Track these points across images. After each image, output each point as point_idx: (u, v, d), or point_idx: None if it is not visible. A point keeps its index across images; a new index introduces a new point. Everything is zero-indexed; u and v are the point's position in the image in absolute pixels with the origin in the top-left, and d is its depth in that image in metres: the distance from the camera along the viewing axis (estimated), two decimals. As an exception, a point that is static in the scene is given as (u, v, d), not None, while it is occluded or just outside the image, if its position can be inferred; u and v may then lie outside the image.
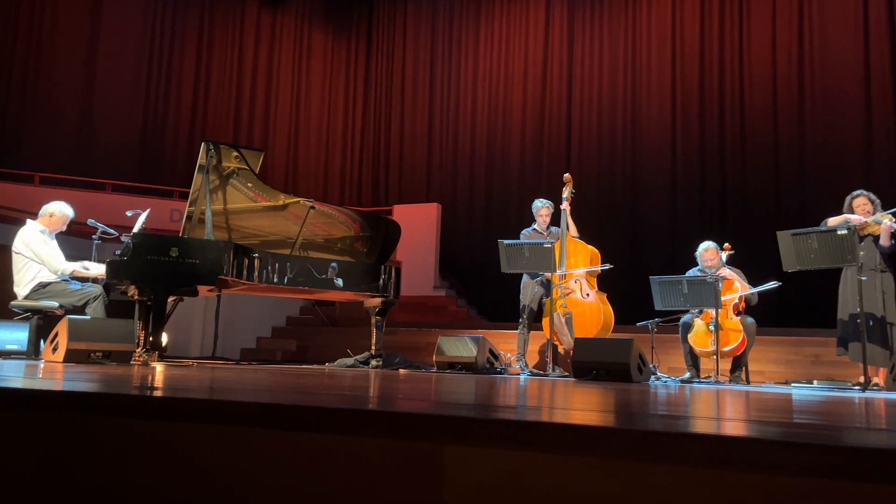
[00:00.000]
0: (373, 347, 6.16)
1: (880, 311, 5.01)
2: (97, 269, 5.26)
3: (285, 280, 5.55)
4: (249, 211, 5.78)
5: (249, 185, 5.65)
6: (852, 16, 8.31)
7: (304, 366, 6.11)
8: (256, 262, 5.34)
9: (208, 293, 5.71)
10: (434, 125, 10.84)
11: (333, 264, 5.82)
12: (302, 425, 1.67)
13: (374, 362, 6.08)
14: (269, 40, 11.21)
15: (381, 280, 6.11)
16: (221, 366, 5.38)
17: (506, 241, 5.84)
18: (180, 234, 5.41)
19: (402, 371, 5.69)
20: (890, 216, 5.04)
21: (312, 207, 5.86)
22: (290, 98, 11.28)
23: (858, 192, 5.30)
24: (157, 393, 2.11)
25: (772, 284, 5.50)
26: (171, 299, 5.23)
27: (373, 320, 6.19)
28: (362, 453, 1.58)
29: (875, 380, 4.97)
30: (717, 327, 5.38)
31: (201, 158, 5.35)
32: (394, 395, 2.64)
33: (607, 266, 6.00)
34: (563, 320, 5.94)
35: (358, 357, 6.28)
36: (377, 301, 6.15)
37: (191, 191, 5.41)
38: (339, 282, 5.81)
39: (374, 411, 1.72)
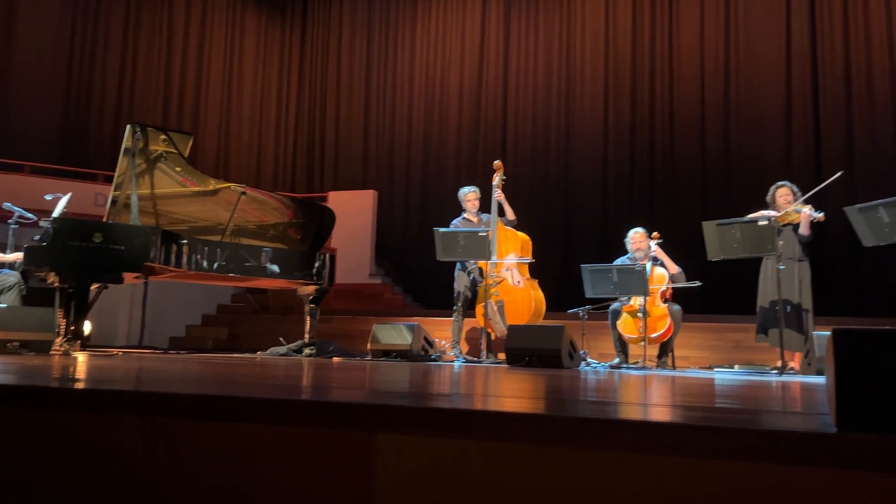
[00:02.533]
0: (306, 335, 6.10)
1: (797, 298, 5.25)
2: (14, 256, 5.03)
3: (215, 267, 5.43)
4: (178, 196, 5.61)
5: (178, 169, 5.49)
6: (776, 17, 8.62)
7: (235, 355, 6.00)
8: (185, 249, 5.20)
9: (134, 280, 5.53)
10: (371, 111, 10.73)
11: (266, 250, 5.72)
12: (232, 416, 1.64)
13: (307, 351, 6.02)
14: (199, 20, 10.85)
15: (315, 267, 6.04)
16: (149, 355, 5.23)
17: (441, 230, 5.86)
18: (105, 220, 5.21)
19: (335, 359, 5.65)
20: (809, 206, 5.27)
21: (244, 193, 5.74)
22: (221, 80, 10.96)
23: (782, 182, 5.53)
24: (79, 384, 2.03)
25: (693, 283, 5.72)
26: (94, 287, 5.04)
27: (306, 308, 6.12)
28: (294, 443, 1.56)
29: (791, 364, 5.21)
30: (646, 314, 5.54)
31: (127, 141, 5.17)
32: (327, 384, 2.62)
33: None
34: (495, 308, 6.00)
35: (291, 345, 6.21)
36: (311, 289, 6.08)
37: (116, 174, 5.22)
38: (272, 269, 5.72)
39: (307, 401, 1.71)
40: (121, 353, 5.02)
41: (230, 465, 1.58)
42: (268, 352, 6.23)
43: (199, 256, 5.31)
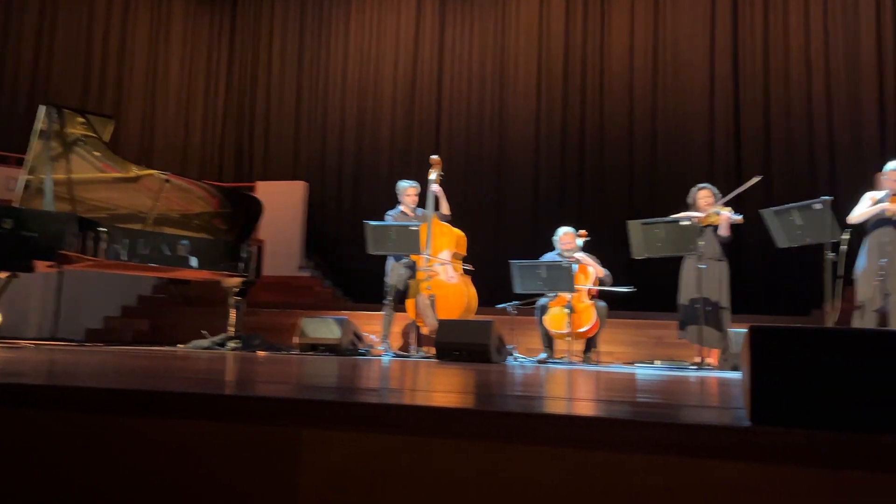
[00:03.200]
0: (231, 329, 5.96)
1: (716, 296, 5.45)
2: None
3: (136, 257, 5.23)
4: (97, 182, 5.38)
5: (97, 154, 5.26)
6: (701, 25, 8.91)
7: (155, 347, 5.81)
8: (104, 237, 4.99)
9: (48, 269, 5.28)
10: (302, 101, 10.54)
11: (184, 242, 5.54)
12: (150, 411, 1.58)
13: (231, 344, 5.88)
14: (123, 1, 10.42)
15: (242, 259, 5.90)
16: (63, 347, 5.00)
17: (372, 223, 5.82)
18: (15, 205, 4.95)
19: (261, 353, 5.54)
20: (729, 208, 5.48)
21: (167, 181, 5.55)
22: (146, 64, 10.54)
23: (703, 185, 5.72)
24: (-16, 378, 1.92)
25: (627, 288, 5.85)
26: (2, 275, 4.79)
27: (231, 300, 5.98)
28: (216, 439, 1.52)
29: (709, 360, 5.41)
30: (572, 310, 5.64)
31: (42, 123, 4.93)
32: (251, 378, 2.56)
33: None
34: (427, 302, 6.00)
35: (215, 339, 6.05)
36: (237, 280, 5.94)
37: (27, 157, 4.97)
38: (195, 261, 5.55)
39: (229, 396, 1.66)
40: (32, 346, 4.78)
41: (147, 462, 1.52)
42: (190, 345, 6.07)
43: (118, 245, 5.11)
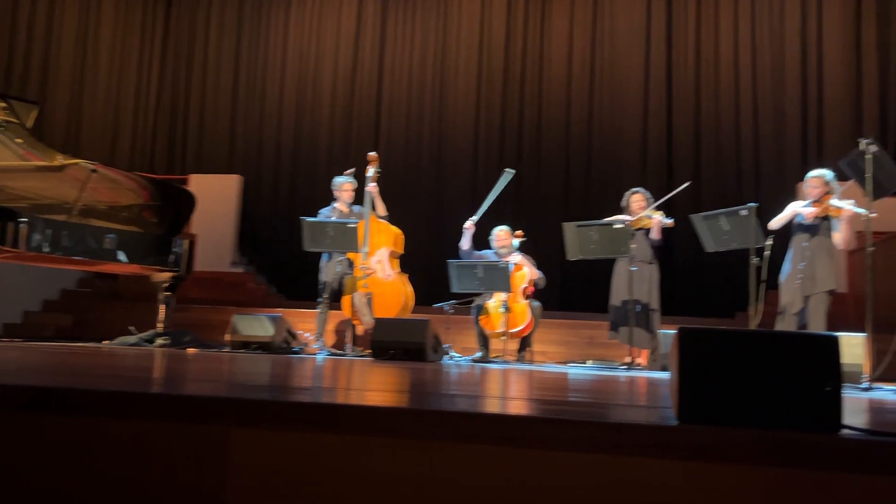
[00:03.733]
0: (160, 325, 5.78)
1: (646, 298, 5.59)
2: None
3: (60, 249, 5.02)
4: (18, 170, 5.13)
5: (19, 140, 5.02)
6: (637, 29, 9.13)
7: (79, 343, 5.59)
8: (24, 228, 4.77)
9: (-37, 261, 5.02)
10: (239, 93, 10.30)
11: (111, 235, 5.35)
12: (73, 410, 1.52)
13: (160, 341, 5.71)
14: (50, -18, 9.98)
15: (172, 253, 5.74)
16: (-23, 343, 4.76)
17: (309, 219, 5.74)
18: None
19: (191, 350, 5.40)
20: (661, 212, 5.63)
21: (94, 171, 5.34)
22: (74, 49, 10.10)
23: (636, 189, 5.86)
24: None
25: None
26: (-87, 266, 4.53)
27: (161, 296, 5.81)
28: (143, 438, 1.47)
29: (639, 360, 5.55)
30: (507, 310, 5.70)
31: (-41, 106, 4.68)
32: (180, 376, 2.50)
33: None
34: (363, 300, 5.96)
35: (142, 335, 5.87)
36: (166, 275, 5.77)
37: (-57, 142, 4.71)
38: (123, 254, 5.37)
39: (155, 394, 1.61)
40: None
41: (70, 462, 1.46)
42: (116, 341, 5.87)
43: (40, 237, 4.89)
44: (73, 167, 5.30)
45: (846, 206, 4.68)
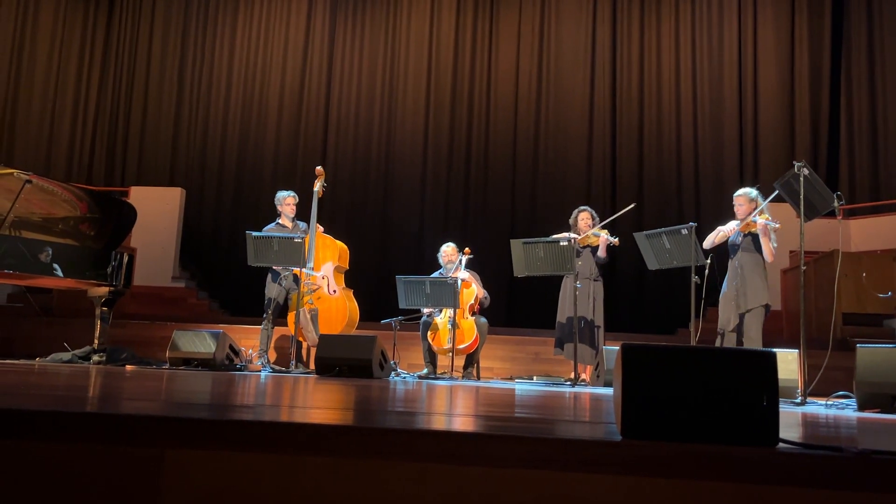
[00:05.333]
0: (95, 341, 5.59)
1: (591, 315, 5.66)
2: None
3: (-11, 262, 4.81)
4: (-54, 180, 4.92)
5: (-53, 149, 4.81)
6: (582, 51, 9.32)
7: (8, 361, 5.35)
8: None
9: None
10: (183, 104, 10.09)
11: (47, 249, 5.16)
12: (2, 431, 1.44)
13: (96, 357, 5.51)
14: (-15, -15, 9.64)
15: (110, 267, 5.56)
16: None
17: (254, 234, 5.65)
18: None
19: (128, 367, 5.22)
20: (606, 231, 5.72)
21: (29, 181, 5.15)
22: (8, 55, 9.76)
23: (583, 207, 5.95)
24: None
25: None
26: None
27: (98, 311, 5.62)
28: (72, 461, 1.40)
29: (583, 376, 5.60)
30: (455, 326, 5.69)
31: None
32: (114, 394, 2.41)
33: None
34: (308, 316, 5.88)
35: (77, 352, 5.66)
36: (104, 290, 5.59)
37: None
38: (58, 268, 5.18)
39: (85, 413, 1.54)
40: None
41: (-13, 487, 1.39)
42: (49, 358, 5.63)
43: (-32, 249, 4.68)
44: (7, 177, 5.10)
45: (759, 219, 4.84)
